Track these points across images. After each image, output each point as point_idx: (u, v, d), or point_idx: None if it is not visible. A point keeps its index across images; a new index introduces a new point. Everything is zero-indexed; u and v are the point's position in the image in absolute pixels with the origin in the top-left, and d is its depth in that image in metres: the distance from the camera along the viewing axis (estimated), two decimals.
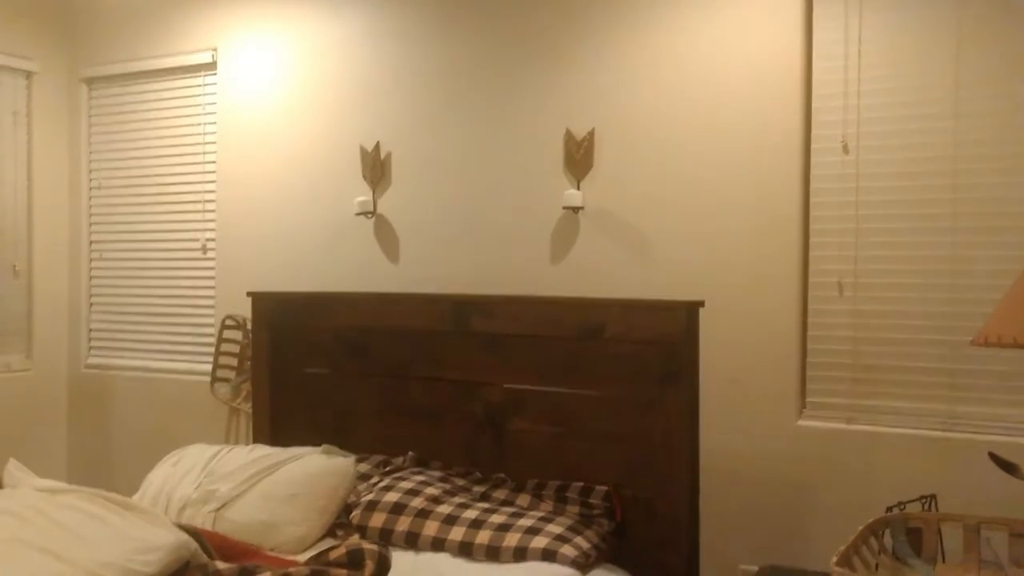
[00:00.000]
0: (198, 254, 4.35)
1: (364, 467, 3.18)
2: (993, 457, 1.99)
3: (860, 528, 1.86)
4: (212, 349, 4.18)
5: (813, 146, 3.08)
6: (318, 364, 3.49)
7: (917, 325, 2.93)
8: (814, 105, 3.07)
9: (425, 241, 3.74)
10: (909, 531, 1.98)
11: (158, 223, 4.47)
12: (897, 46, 2.95)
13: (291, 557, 2.69)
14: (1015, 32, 2.79)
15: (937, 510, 2.22)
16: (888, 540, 1.97)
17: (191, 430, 4.17)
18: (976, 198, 2.85)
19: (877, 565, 1.87)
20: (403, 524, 2.78)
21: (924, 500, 2.32)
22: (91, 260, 4.69)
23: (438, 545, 2.72)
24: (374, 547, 2.34)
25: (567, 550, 2.58)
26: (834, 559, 1.66)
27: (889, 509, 2.12)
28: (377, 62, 3.85)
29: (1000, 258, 2.81)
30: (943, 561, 2.04)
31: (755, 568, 2.94)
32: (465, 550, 2.67)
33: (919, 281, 2.93)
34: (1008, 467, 1.95)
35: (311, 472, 2.96)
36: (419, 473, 3.02)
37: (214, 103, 4.27)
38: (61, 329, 4.69)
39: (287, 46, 4.06)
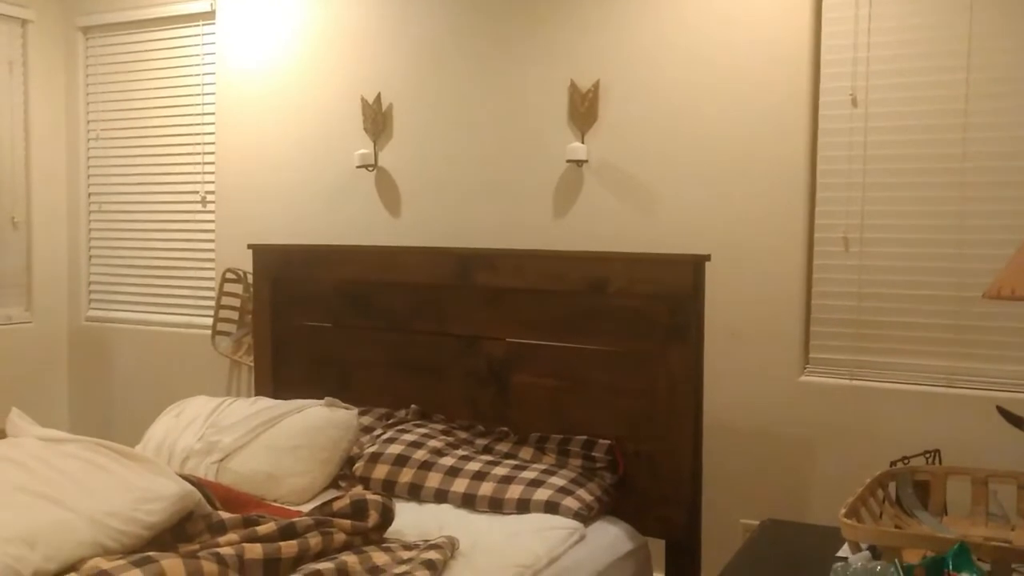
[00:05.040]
0: (198, 206, 4.32)
1: (367, 420, 3.18)
2: (1001, 411, 1.98)
3: (868, 481, 1.86)
4: (213, 302, 4.17)
5: (821, 99, 3.04)
6: (320, 317, 3.47)
7: (923, 280, 2.92)
8: (823, 57, 3.03)
9: (427, 195, 3.71)
10: (916, 484, 1.98)
11: (157, 175, 4.43)
12: None
13: (295, 508, 2.69)
14: None
15: (941, 464, 2.21)
16: (894, 492, 1.97)
17: (192, 383, 4.17)
18: (986, 152, 2.82)
19: (882, 515, 1.87)
20: (406, 476, 2.79)
21: (928, 455, 2.32)
22: (90, 212, 4.66)
23: (441, 497, 2.73)
24: (378, 498, 2.34)
25: (570, 502, 2.59)
26: (842, 511, 1.66)
27: (893, 464, 2.12)
28: (378, 11, 3.78)
29: (1008, 213, 2.79)
30: (947, 515, 2.05)
31: (756, 522, 2.95)
32: (468, 502, 2.68)
33: (925, 236, 2.91)
34: (1016, 421, 1.95)
35: (314, 424, 2.95)
36: (422, 426, 3.02)
37: (213, 53, 4.21)
38: (61, 281, 4.68)
39: None
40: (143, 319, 4.49)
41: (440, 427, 3.04)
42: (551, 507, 2.58)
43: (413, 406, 3.20)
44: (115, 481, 2.25)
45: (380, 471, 2.82)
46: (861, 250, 3.00)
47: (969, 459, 2.68)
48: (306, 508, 2.62)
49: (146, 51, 4.42)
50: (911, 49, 2.90)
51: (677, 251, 3.17)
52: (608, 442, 2.86)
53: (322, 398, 3.12)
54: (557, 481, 2.67)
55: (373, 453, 2.89)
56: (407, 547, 2.26)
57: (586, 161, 3.36)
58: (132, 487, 2.23)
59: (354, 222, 3.86)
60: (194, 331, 4.30)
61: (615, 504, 2.79)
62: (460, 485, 2.71)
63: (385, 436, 2.97)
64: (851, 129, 2.99)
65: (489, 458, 2.84)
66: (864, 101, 2.97)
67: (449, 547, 2.24)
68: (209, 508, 2.31)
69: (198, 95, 4.29)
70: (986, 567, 1.47)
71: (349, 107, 3.85)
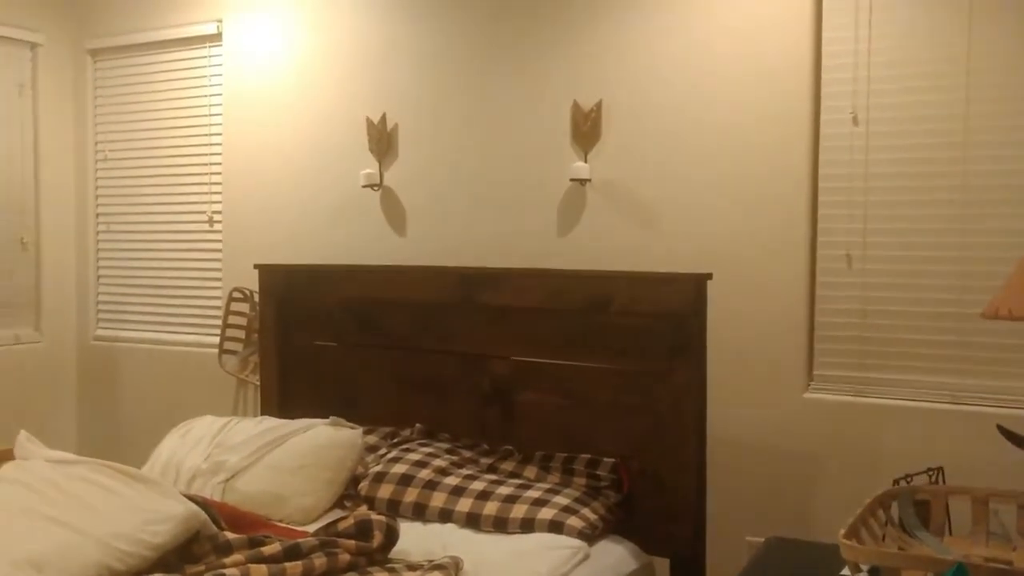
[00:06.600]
0: (205, 226, 4.35)
1: (372, 439, 3.19)
2: (1001, 430, 1.98)
3: (868, 501, 1.86)
4: (219, 321, 4.19)
5: (822, 117, 3.05)
6: (325, 336, 3.49)
7: (926, 298, 2.92)
8: (824, 76, 3.04)
9: (432, 214, 3.73)
10: (917, 503, 1.98)
11: (165, 195, 4.47)
12: (908, 17, 2.91)
13: (300, 528, 2.71)
14: None
15: (944, 482, 2.22)
16: (895, 512, 1.97)
17: (199, 402, 4.19)
18: (986, 171, 2.83)
19: (884, 536, 1.88)
20: (411, 495, 2.80)
21: (931, 472, 2.32)
22: (98, 232, 4.69)
23: (446, 516, 2.73)
24: (382, 518, 2.35)
25: (574, 522, 2.60)
26: (842, 531, 1.66)
27: (896, 482, 2.13)
28: (383, 33, 3.82)
29: (1009, 231, 2.79)
30: (950, 534, 2.05)
31: (761, 540, 2.95)
32: (472, 521, 2.69)
33: (928, 254, 2.91)
34: (1017, 440, 1.95)
35: (319, 444, 2.97)
36: (427, 445, 3.03)
37: (220, 75, 4.25)
38: (69, 301, 4.71)
39: (292, 18, 4.03)
40: (151, 338, 4.52)
41: (445, 446, 3.05)
42: (555, 526, 2.59)
43: (418, 425, 3.21)
44: (122, 503, 2.27)
45: (385, 491, 2.84)
46: (864, 267, 3.01)
47: (974, 475, 2.68)
48: (311, 528, 2.63)
49: (154, 73, 4.46)
50: (911, 68, 2.91)
51: (680, 269, 3.18)
52: (612, 460, 2.87)
53: (327, 417, 3.13)
54: (562, 500, 2.68)
55: (378, 472, 2.90)
56: (411, 567, 2.27)
57: (589, 180, 3.38)
58: (139, 508, 2.24)
59: (359, 241, 3.88)
60: (201, 350, 4.32)
61: (620, 522, 2.80)
62: (465, 504, 2.72)
63: (390, 455, 2.98)
64: (852, 147, 3.00)
65: (494, 477, 2.85)
66: (865, 119, 2.99)
67: (453, 567, 2.25)
68: (215, 529, 2.33)
69: (205, 116, 4.32)
70: None
71: (354, 127, 3.88)
